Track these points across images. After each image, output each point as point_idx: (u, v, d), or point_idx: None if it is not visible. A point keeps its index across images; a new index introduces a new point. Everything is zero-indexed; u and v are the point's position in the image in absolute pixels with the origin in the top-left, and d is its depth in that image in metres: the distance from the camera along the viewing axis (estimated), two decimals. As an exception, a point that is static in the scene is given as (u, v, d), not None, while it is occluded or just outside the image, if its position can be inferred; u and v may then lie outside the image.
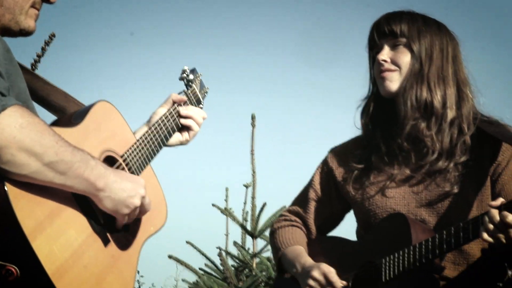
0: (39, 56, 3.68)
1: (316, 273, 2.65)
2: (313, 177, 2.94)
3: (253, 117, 6.73)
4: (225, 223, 7.09)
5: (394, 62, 2.67)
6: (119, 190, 2.04)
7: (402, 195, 2.66)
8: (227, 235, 7.04)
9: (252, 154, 6.72)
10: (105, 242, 2.06)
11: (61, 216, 1.92)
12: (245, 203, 6.84)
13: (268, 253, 7.18)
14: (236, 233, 8.29)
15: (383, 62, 2.67)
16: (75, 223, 1.97)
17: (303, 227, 2.93)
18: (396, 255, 2.49)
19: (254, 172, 6.70)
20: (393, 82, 2.67)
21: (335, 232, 3.02)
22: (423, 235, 2.49)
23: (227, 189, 7.10)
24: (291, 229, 2.92)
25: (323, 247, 2.87)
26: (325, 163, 2.94)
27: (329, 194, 2.89)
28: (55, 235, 1.87)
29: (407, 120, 2.63)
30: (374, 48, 2.74)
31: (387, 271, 2.51)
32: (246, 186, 6.84)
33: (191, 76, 2.79)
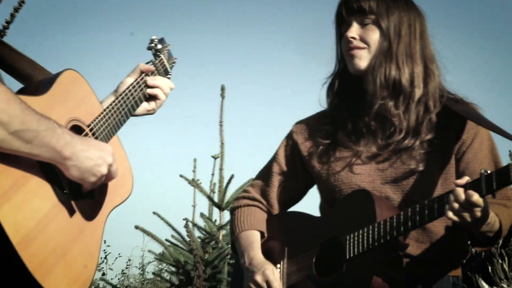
0: (8, 23, 3.62)
1: (259, 278, 2.65)
2: (277, 150, 2.92)
3: (222, 88, 6.72)
4: (192, 194, 7.09)
5: (363, 39, 2.65)
6: (86, 158, 2.03)
7: (368, 172, 2.66)
8: (194, 206, 7.05)
9: (221, 125, 6.72)
10: (71, 212, 2.05)
11: (26, 186, 1.91)
12: (213, 174, 6.85)
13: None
14: (203, 204, 8.31)
15: (351, 39, 2.65)
16: (40, 193, 1.95)
17: (263, 204, 2.89)
18: (361, 232, 2.49)
19: (222, 143, 6.71)
20: (362, 59, 2.65)
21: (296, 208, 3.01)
22: (388, 212, 2.49)
23: (195, 160, 7.10)
24: (249, 210, 2.88)
25: (285, 222, 2.85)
26: (290, 136, 2.91)
27: (294, 168, 2.87)
28: (20, 204, 1.86)
29: (375, 99, 2.62)
30: (342, 25, 2.71)
31: (351, 248, 2.51)
32: (214, 158, 6.84)
33: (159, 46, 2.77)
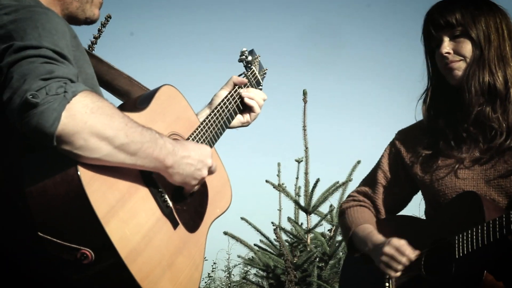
0: (96, 38, 3.71)
1: (388, 248, 2.67)
2: (381, 158, 2.97)
3: (304, 93, 6.72)
4: (278, 198, 7.12)
5: (456, 52, 2.67)
6: (187, 165, 2.08)
7: (471, 176, 2.67)
8: (280, 210, 7.07)
9: (304, 129, 6.72)
10: (174, 225, 2.09)
11: (132, 200, 1.95)
12: (297, 178, 6.86)
13: (322, 229, 7.21)
14: (289, 208, 8.33)
15: (446, 55, 2.67)
16: (145, 207, 2.00)
17: (371, 208, 2.95)
18: (470, 231, 2.49)
19: (306, 148, 6.71)
20: (460, 71, 2.67)
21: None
22: (495, 212, 2.49)
23: (279, 165, 7.12)
24: (360, 209, 2.95)
25: (393, 226, 2.88)
26: (393, 145, 2.96)
27: (398, 175, 2.91)
28: (127, 218, 1.90)
29: (472, 107, 2.64)
30: (431, 41, 2.74)
31: (461, 248, 2.52)
32: (298, 161, 6.85)
33: (249, 58, 2.81)
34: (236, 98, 2.66)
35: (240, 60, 2.81)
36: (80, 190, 1.79)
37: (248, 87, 2.73)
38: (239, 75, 2.76)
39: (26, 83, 1.78)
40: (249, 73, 2.78)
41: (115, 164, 1.88)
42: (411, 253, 2.66)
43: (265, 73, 2.89)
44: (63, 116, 1.75)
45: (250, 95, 2.69)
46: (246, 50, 2.82)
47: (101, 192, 1.85)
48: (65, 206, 1.80)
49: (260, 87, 2.82)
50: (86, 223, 1.80)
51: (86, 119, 1.79)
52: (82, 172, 1.81)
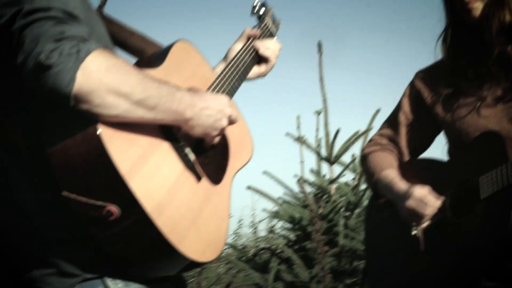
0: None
1: (411, 202, 2.68)
2: (401, 99, 2.96)
3: (319, 45, 6.67)
4: (299, 151, 7.11)
5: None
6: (207, 116, 2.08)
7: (494, 114, 2.66)
8: (302, 162, 7.06)
9: (321, 81, 6.68)
10: (198, 178, 2.10)
11: (154, 155, 1.96)
12: (317, 130, 6.84)
13: (346, 178, 7.20)
14: (310, 161, 8.32)
15: None
16: (167, 161, 2.01)
17: (394, 150, 2.94)
18: (494, 172, 2.48)
19: (325, 99, 6.68)
20: (479, 10, 2.66)
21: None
22: None
23: (298, 117, 7.10)
24: (383, 153, 2.94)
25: (416, 168, 2.88)
26: (412, 85, 2.95)
27: (419, 116, 2.90)
28: (151, 173, 1.91)
29: (493, 46, 2.63)
30: None
31: (485, 188, 2.51)
32: (318, 113, 6.82)
33: (262, 10, 2.80)
34: (251, 50, 2.66)
35: (253, 13, 2.80)
36: (101, 148, 1.80)
37: (262, 38, 2.72)
38: (253, 28, 2.75)
39: (39, 45, 1.78)
40: (262, 25, 2.77)
41: (134, 120, 1.89)
42: (435, 203, 2.65)
43: (279, 23, 2.88)
44: (78, 76, 1.75)
45: (265, 45, 2.69)
46: (259, 2, 2.81)
47: (122, 149, 1.85)
48: (87, 165, 1.81)
49: (275, 38, 2.81)
50: (110, 180, 1.82)
51: (102, 77, 1.79)
52: (103, 130, 1.82)
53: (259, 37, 2.71)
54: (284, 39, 2.86)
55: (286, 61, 2.76)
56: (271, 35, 2.79)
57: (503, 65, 2.65)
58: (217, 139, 2.19)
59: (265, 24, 2.78)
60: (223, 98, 2.16)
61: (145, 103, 1.88)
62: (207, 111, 2.08)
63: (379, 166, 2.91)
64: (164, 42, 2.39)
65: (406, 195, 2.70)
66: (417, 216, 2.68)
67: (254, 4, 2.80)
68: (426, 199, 2.65)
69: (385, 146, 2.96)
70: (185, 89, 2.17)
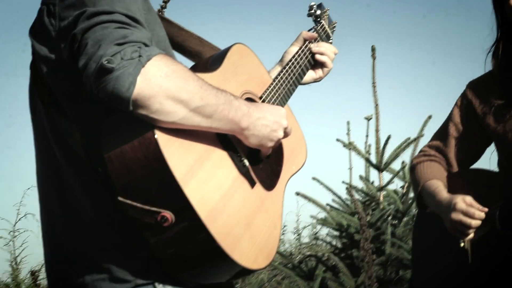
0: (165, 2, 3.69)
1: (455, 214, 2.65)
2: (452, 111, 2.92)
3: (373, 49, 6.61)
4: (348, 157, 7.06)
5: None
6: (263, 126, 2.05)
7: None
8: (350, 169, 7.01)
9: (374, 86, 6.62)
10: (252, 183, 2.09)
11: (209, 160, 1.95)
12: (367, 136, 6.79)
13: (395, 186, 7.13)
14: (359, 167, 8.25)
15: None
16: (222, 167, 2.00)
17: (442, 161, 2.90)
18: None
19: (376, 104, 6.62)
20: None
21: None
22: None
23: (348, 123, 7.05)
24: (430, 164, 2.91)
25: (465, 179, 2.84)
26: (464, 96, 2.91)
27: (470, 127, 2.85)
28: (205, 179, 1.90)
29: None
30: None
31: None
32: (368, 119, 6.77)
33: (318, 12, 2.77)
34: (307, 54, 2.63)
35: (309, 15, 2.77)
36: (158, 154, 1.80)
37: (318, 41, 2.69)
38: (309, 30, 2.72)
39: (101, 48, 1.78)
40: (318, 27, 2.74)
41: (191, 127, 1.88)
42: (479, 214, 2.60)
43: (335, 26, 2.85)
44: (138, 80, 1.75)
45: (321, 49, 2.65)
46: (315, 4, 2.78)
47: (178, 154, 1.85)
48: (143, 170, 1.81)
49: (330, 41, 2.78)
50: (165, 185, 1.81)
51: (161, 82, 1.78)
52: (159, 135, 1.81)
53: (315, 40, 2.67)
54: (337, 42, 2.84)
55: (336, 66, 2.72)
56: (327, 38, 2.76)
57: None
58: (271, 150, 2.17)
59: (321, 26, 2.75)
60: (279, 109, 2.14)
61: (203, 111, 1.87)
62: (263, 121, 2.05)
63: (425, 176, 2.88)
64: (221, 45, 2.38)
65: (449, 207, 2.66)
66: (461, 229, 2.64)
67: (311, 5, 2.77)
68: (470, 212, 2.61)
69: (433, 157, 2.92)
70: (241, 95, 2.15)
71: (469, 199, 2.64)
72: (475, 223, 2.61)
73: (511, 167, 2.71)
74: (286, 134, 2.15)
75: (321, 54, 2.64)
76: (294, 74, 2.51)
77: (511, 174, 2.69)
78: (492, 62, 2.79)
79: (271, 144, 2.10)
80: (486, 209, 2.61)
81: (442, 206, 2.71)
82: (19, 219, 7.65)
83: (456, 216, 2.63)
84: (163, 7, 3.77)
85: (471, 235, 2.65)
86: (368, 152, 6.68)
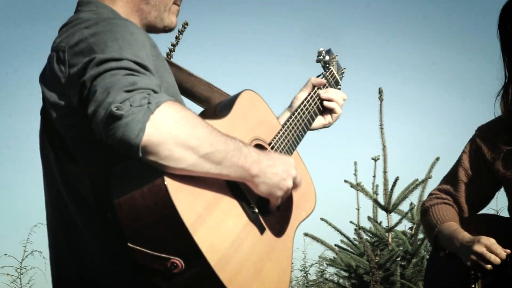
0: (173, 46, 3.74)
1: (478, 247, 2.63)
2: (461, 156, 2.92)
3: (380, 91, 6.65)
4: (355, 197, 7.05)
5: None
6: (273, 174, 2.04)
7: None
8: (358, 209, 7.00)
9: (381, 128, 6.64)
10: (261, 230, 2.08)
11: (219, 207, 1.95)
12: (374, 176, 6.79)
13: (403, 227, 7.10)
14: (366, 207, 8.23)
15: None
16: (232, 213, 1.99)
17: (454, 205, 2.89)
18: None
19: (384, 146, 6.63)
20: None
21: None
22: None
23: (355, 163, 7.06)
24: (444, 207, 2.90)
25: (477, 224, 2.84)
26: (473, 141, 2.91)
27: (479, 172, 2.85)
28: (215, 226, 1.90)
29: None
30: (507, 38, 2.70)
31: None
32: (375, 160, 6.78)
33: (327, 57, 2.78)
34: (316, 100, 2.64)
35: (318, 61, 2.79)
36: (168, 201, 1.80)
37: (327, 87, 2.70)
38: (318, 76, 2.73)
39: (110, 95, 1.80)
40: (327, 73, 2.75)
41: (200, 174, 1.88)
42: (502, 252, 2.60)
43: (343, 72, 2.86)
44: (147, 127, 1.76)
45: (330, 96, 2.66)
46: (324, 50, 2.80)
47: (188, 201, 1.85)
48: (153, 217, 1.81)
49: (339, 86, 2.79)
50: (175, 232, 1.81)
51: (171, 129, 1.79)
52: (169, 182, 1.81)
53: (324, 86, 2.68)
54: (345, 83, 2.85)
55: (345, 105, 2.72)
56: (336, 83, 2.77)
57: None
58: (280, 201, 2.15)
59: (330, 72, 2.76)
60: (288, 159, 2.13)
61: (212, 157, 1.87)
62: (273, 169, 2.04)
63: (442, 218, 2.87)
64: (230, 91, 2.40)
65: (473, 241, 2.66)
66: (482, 261, 2.63)
67: (320, 51, 2.79)
68: (493, 247, 2.61)
69: (446, 200, 2.91)
70: (250, 141, 2.16)
71: (493, 239, 2.64)
72: (495, 259, 2.61)
73: None
74: (295, 185, 2.14)
75: (330, 100, 2.65)
76: (303, 120, 2.52)
77: None
78: (500, 107, 2.79)
79: (280, 193, 2.08)
80: (509, 251, 2.61)
81: (464, 244, 2.71)
82: (26, 256, 7.64)
83: (479, 248, 2.63)
84: (171, 51, 3.82)
85: (488, 269, 2.64)
86: (375, 193, 6.68)
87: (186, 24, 3.75)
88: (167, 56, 3.76)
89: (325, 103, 2.65)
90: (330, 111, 2.67)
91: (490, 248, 2.61)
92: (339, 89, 2.78)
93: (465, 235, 2.74)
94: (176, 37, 3.75)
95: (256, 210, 2.09)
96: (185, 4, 2.33)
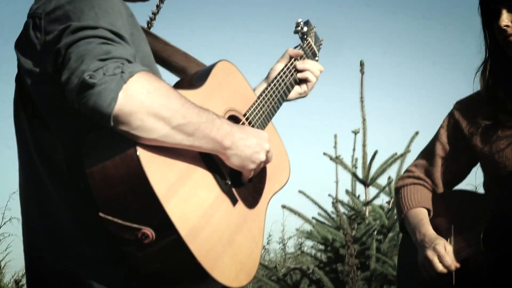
0: (154, 14, 3.71)
1: (430, 253, 2.68)
2: (439, 130, 2.92)
3: (361, 64, 6.64)
4: (334, 170, 7.07)
5: None
6: (245, 147, 2.05)
7: None
8: (337, 182, 7.02)
9: (362, 101, 6.64)
10: (234, 201, 2.08)
11: (191, 178, 1.95)
12: (354, 149, 6.80)
13: (380, 201, 7.13)
14: (346, 181, 8.26)
15: (506, 28, 2.62)
16: (204, 184, 1.99)
17: (427, 183, 2.90)
18: None
19: (364, 119, 6.64)
20: None
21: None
22: None
23: (335, 136, 7.07)
24: (414, 188, 2.91)
25: (451, 200, 2.85)
26: (451, 116, 2.91)
27: (456, 147, 2.86)
28: (187, 197, 1.90)
29: None
30: (488, 13, 2.68)
31: None
32: (355, 133, 6.78)
33: (305, 29, 2.77)
34: (293, 71, 2.64)
35: (296, 32, 2.78)
36: (140, 171, 1.79)
37: (304, 58, 2.70)
38: (295, 47, 2.73)
39: (84, 63, 1.78)
40: (304, 44, 2.74)
41: (173, 144, 1.88)
42: (452, 265, 2.63)
43: (321, 43, 2.86)
44: (120, 97, 1.75)
45: (306, 66, 2.67)
46: (302, 21, 2.79)
47: (160, 171, 1.84)
48: (125, 186, 1.80)
49: (317, 58, 2.79)
50: (147, 203, 1.81)
51: (143, 99, 1.78)
52: (141, 152, 1.81)
53: (301, 57, 2.69)
54: (325, 57, 2.85)
55: (325, 79, 2.73)
56: (313, 55, 2.77)
57: None
58: (253, 173, 2.15)
59: (308, 44, 2.76)
60: (262, 133, 2.14)
61: (184, 129, 1.87)
62: (245, 141, 2.05)
63: (409, 202, 2.88)
64: (207, 61, 2.39)
65: (429, 244, 2.69)
66: (428, 268, 2.68)
67: (298, 22, 2.78)
68: (445, 258, 2.63)
69: (418, 179, 2.92)
70: (225, 112, 2.16)
71: (449, 248, 2.66)
72: (441, 269, 2.65)
73: (496, 188, 2.71)
74: (267, 159, 2.14)
75: (306, 70, 2.66)
76: (279, 92, 2.52)
77: (497, 195, 2.69)
78: (480, 82, 2.79)
79: (253, 166, 2.09)
80: (458, 265, 2.64)
81: (423, 241, 2.73)
82: (4, 223, 7.62)
83: (431, 255, 2.66)
84: (152, 19, 3.79)
85: (430, 277, 2.68)
86: (355, 166, 6.69)
87: (168, -8, 3.71)
88: (148, 25, 3.73)
89: (300, 74, 2.66)
90: (305, 81, 2.68)
91: (442, 258, 2.64)
92: (317, 60, 2.78)
93: (426, 231, 2.75)
94: (157, 6, 3.72)
95: (229, 182, 2.09)
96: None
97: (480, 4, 2.72)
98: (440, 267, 2.65)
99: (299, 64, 2.66)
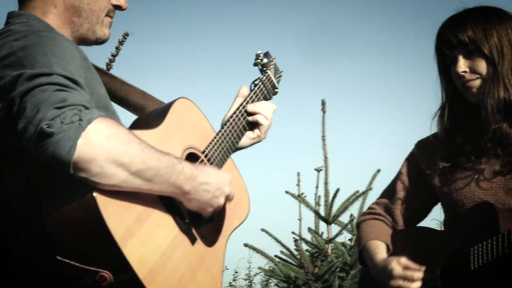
0: (113, 56, 3.71)
1: (394, 281, 2.63)
2: (400, 169, 2.94)
3: (323, 103, 6.68)
4: (298, 208, 7.06)
5: (473, 71, 2.64)
6: (204, 191, 2.05)
7: (490, 186, 2.64)
8: (300, 220, 7.02)
9: (324, 139, 6.67)
10: (192, 240, 2.07)
11: (149, 219, 1.94)
12: (317, 187, 6.80)
13: (343, 238, 7.14)
14: (309, 218, 8.26)
15: (463, 74, 2.64)
16: (162, 225, 1.98)
17: (387, 219, 2.90)
18: (485, 243, 2.46)
19: (326, 157, 6.66)
20: (476, 87, 2.65)
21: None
22: (511, 223, 2.45)
23: (298, 174, 7.08)
24: (373, 223, 2.91)
25: (409, 237, 2.85)
26: (412, 155, 2.93)
27: (418, 185, 2.87)
28: (145, 238, 1.89)
29: (489, 124, 2.61)
30: (445, 58, 2.71)
31: (476, 259, 2.48)
32: (318, 170, 6.80)
33: (265, 60, 2.76)
34: (245, 115, 2.58)
35: (255, 64, 2.76)
36: (97, 214, 1.78)
37: (254, 100, 2.63)
38: (255, 80, 2.69)
39: (40, 112, 1.77)
40: (264, 77, 2.71)
41: (131, 189, 1.87)
42: (418, 275, 2.62)
43: (281, 75, 2.83)
44: (78, 144, 1.74)
45: (257, 109, 2.59)
46: (262, 53, 2.77)
47: (117, 214, 1.84)
48: (83, 230, 1.79)
49: (276, 89, 2.76)
50: (104, 246, 1.80)
51: (102, 146, 1.78)
52: (98, 197, 1.80)
53: (252, 100, 2.63)
54: (286, 94, 2.81)
55: (287, 117, 2.70)
56: (272, 87, 2.71)
57: (499, 141, 2.62)
58: (210, 215, 2.15)
59: (267, 77, 2.71)
60: (225, 176, 2.14)
61: (144, 174, 1.86)
62: (206, 186, 2.05)
63: (367, 235, 2.88)
64: (165, 98, 2.38)
65: (385, 272, 2.66)
66: (405, 285, 2.64)
67: (257, 53, 2.77)
68: (408, 275, 2.61)
69: (378, 215, 2.92)
70: (183, 150, 2.15)
71: (403, 260, 2.64)
72: (416, 285, 2.62)
73: (454, 225, 2.73)
74: (228, 201, 2.16)
75: (257, 114, 2.59)
76: (235, 131, 2.50)
77: (454, 232, 2.70)
78: (437, 126, 2.81)
79: (210, 209, 2.10)
80: (423, 268, 2.62)
81: (378, 269, 2.71)
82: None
83: (395, 283, 2.63)
84: (111, 61, 3.78)
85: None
86: (318, 203, 6.70)
87: (127, 34, 3.72)
88: (107, 67, 3.73)
89: (250, 118, 2.58)
90: (257, 124, 2.61)
91: (405, 277, 2.60)
92: (276, 92, 2.75)
93: (378, 259, 2.73)
94: (117, 48, 3.72)
95: (188, 221, 2.07)
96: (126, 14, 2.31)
97: (436, 51, 2.74)
98: (412, 285, 2.59)
99: (250, 107, 2.60)
